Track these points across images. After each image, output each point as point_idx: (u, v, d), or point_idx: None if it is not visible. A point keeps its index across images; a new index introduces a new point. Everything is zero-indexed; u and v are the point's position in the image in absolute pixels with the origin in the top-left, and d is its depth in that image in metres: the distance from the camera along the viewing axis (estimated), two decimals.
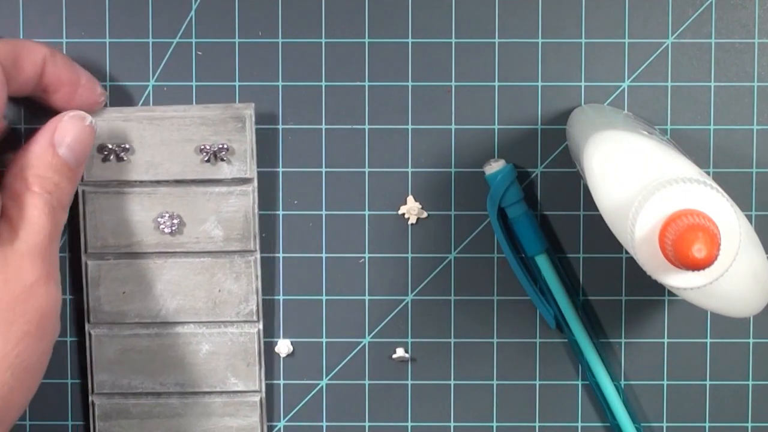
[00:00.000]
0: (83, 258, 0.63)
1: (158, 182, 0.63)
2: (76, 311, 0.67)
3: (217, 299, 0.63)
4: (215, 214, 0.63)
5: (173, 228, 0.63)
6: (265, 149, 0.67)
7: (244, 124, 0.63)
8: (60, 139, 0.61)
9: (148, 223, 0.63)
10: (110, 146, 0.62)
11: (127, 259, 0.63)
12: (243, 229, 0.63)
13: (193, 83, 0.67)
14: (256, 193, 0.63)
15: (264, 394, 0.64)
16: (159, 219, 0.63)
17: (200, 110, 0.63)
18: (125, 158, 0.62)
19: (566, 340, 0.67)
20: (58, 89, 0.63)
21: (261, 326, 0.64)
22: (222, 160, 0.63)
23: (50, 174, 0.60)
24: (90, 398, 0.64)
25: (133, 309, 0.63)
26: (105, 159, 0.62)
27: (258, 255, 0.63)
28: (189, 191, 0.63)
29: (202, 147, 0.62)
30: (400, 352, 0.68)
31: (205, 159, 0.62)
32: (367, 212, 0.67)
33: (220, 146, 0.63)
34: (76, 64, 0.64)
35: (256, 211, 0.63)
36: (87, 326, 0.64)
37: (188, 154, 0.63)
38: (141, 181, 0.63)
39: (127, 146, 0.62)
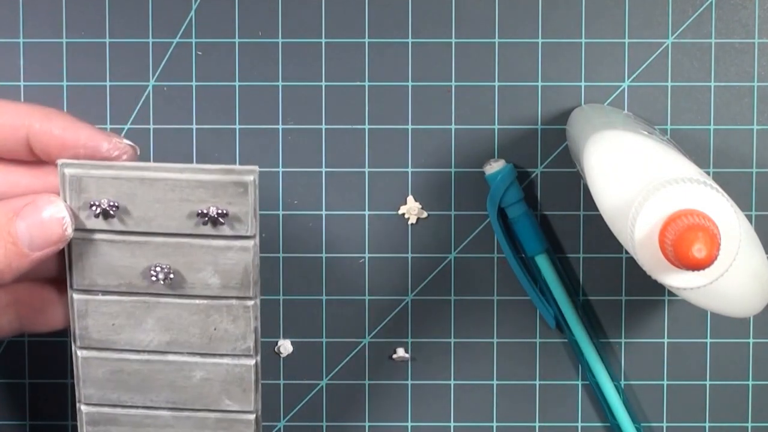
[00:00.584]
0: (69, 291, 0.60)
1: (151, 233, 0.59)
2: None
3: (212, 336, 0.60)
4: (212, 265, 0.59)
5: (167, 280, 0.59)
6: (266, 149, 0.67)
7: (246, 189, 0.57)
8: (25, 213, 0.56)
9: (138, 271, 0.59)
10: (98, 203, 0.58)
11: (116, 296, 0.60)
12: (242, 279, 0.59)
13: (193, 83, 0.67)
14: (257, 248, 0.59)
15: (260, 413, 0.62)
16: (152, 271, 0.59)
17: (197, 173, 0.57)
18: (114, 215, 0.58)
19: (566, 340, 0.67)
20: (59, 153, 0.58)
21: (258, 359, 0.60)
22: (221, 224, 0.58)
23: None
24: (78, 405, 0.62)
25: (123, 338, 0.60)
26: (92, 215, 0.58)
27: (258, 300, 0.59)
28: (184, 243, 0.59)
29: (200, 212, 0.58)
30: (400, 352, 0.68)
31: (203, 223, 0.58)
32: (367, 212, 0.67)
33: (219, 212, 0.58)
34: (76, 122, 0.58)
35: (257, 262, 0.59)
36: (74, 347, 0.61)
37: (183, 213, 0.58)
38: (133, 232, 0.58)
39: (118, 205, 0.58)
